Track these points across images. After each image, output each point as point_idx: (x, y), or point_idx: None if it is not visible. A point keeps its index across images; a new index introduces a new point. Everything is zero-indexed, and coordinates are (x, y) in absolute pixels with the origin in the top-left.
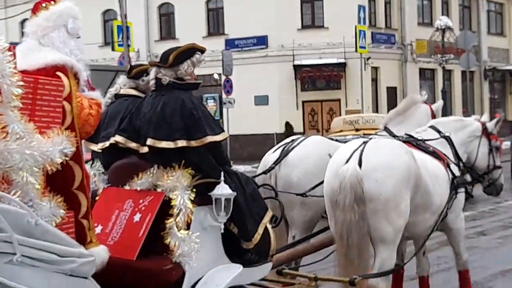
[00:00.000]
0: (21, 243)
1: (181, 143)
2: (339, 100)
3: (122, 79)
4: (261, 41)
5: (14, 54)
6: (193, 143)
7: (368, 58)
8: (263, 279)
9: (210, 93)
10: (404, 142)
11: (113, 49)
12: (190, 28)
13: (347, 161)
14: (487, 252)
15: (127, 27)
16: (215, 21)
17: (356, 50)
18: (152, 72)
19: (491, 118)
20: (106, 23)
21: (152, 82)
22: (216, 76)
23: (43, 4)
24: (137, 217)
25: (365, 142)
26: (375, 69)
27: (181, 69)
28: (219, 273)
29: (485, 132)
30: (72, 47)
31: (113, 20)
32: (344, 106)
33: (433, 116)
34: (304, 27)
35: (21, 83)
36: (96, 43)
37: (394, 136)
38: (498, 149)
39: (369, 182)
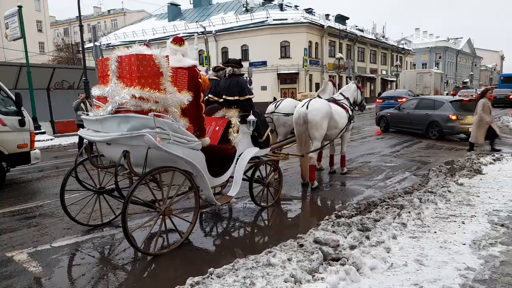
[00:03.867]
0: (172, 135)
1: (236, 97)
2: (295, 88)
3: (210, 71)
4: (264, 63)
5: (167, 58)
6: (241, 98)
7: (307, 71)
8: (266, 155)
9: None
10: (328, 100)
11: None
12: (235, 57)
13: (302, 106)
14: (354, 147)
15: (208, 57)
16: (245, 54)
17: (303, 67)
18: (228, 69)
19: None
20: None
21: (227, 72)
22: (247, 77)
23: (180, 42)
24: (217, 128)
25: (309, 100)
26: (310, 75)
27: (239, 68)
28: (249, 150)
29: (358, 87)
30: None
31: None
32: (297, 91)
33: (334, 86)
34: (282, 57)
35: (171, 71)
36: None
37: (320, 98)
38: (363, 92)
39: (310, 115)
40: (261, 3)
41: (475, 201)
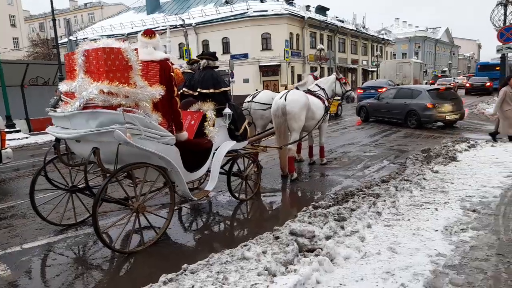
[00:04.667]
0: (143, 130)
1: (211, 90)
2: (277, 80)
3: (185, 64)
4: (245, 55)
5: (137, 51)
6: (216, 91)
7: (289, 63)
8: (244, 148)
9: (225, 77)
10: (305, 92)
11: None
12: (216, 50)
13: (280, 98)
14: (334, 138)
15: (188, 51)
16: (226, 47)
17: (284, 59)
18: (202, 61)
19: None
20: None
21: (202, 65)
22: (228, 70)
23: (151, 35)
24: (192, 122)
25: (287, 91)
26: (292, 67)
27: (213, 60)
28: (226, 144)
29: (337, 79)
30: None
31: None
32: (280, 82)
33: (315, 79)
34: (263, 49)
35: (140, 65)
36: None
37: (299, 90)
38: (346, 84)
39: (288, 107)
40: None
41: (449, 187)
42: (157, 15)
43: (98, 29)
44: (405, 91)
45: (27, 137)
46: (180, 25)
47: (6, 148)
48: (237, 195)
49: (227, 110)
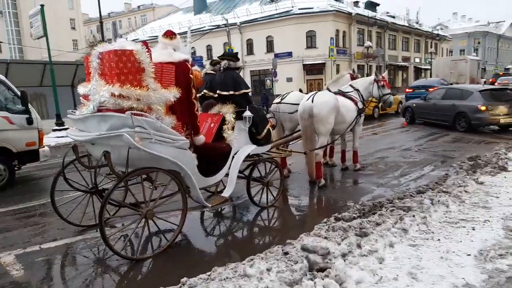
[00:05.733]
0: (154, 134)
1: (231, 92)
2: (322, 79)
3: (208, 65)
4: (289, 54)
5: (149, 53)
6: (236, 93)
7: (334, 61)
8: (269, 151)
9: (268, 76)
10: (335, 93)
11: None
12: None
13: (307, 100)
14: (374, 141)
15: (231, 50)
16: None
17: (329, 57)
18: (223, 62)
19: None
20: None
21: (222, 66)
22: (271, 69)
23: (171, 36)
24: (212, 125)
25: (315, 93)
26: (338, 65)
27: (234, 61)
28: (246, 148)
29: (375, 80)
30: (188, 53)
31: (227, 46)
32: (324, 81)
33: (352, 79)
34: (307, 47)
35: (153, 67)
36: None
37: (330, 91)
38: (385, 86)
39: (315, 109)
40: None
41: (492, 202)
42: (204, 15)
43: (148, 31)
44: (454, 92)
45: None
46: (223, 25)
47: (43, 147)
48: (257, 201)
49: (247, 113)
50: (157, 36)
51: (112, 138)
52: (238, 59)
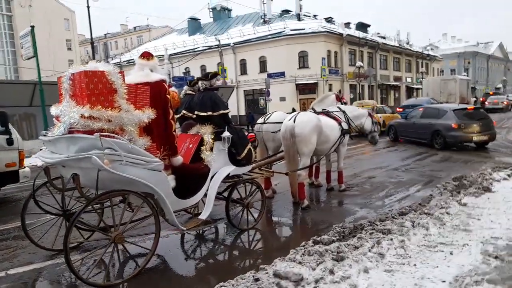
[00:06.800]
0: (125, 155)
1: (209, 113)
2: (315, 98)
3: (186, 86)
4: (282, 74)
5: (122, 74)
6: (214, 113)
7: (326, 80)
8: (250, 172)
9: (262, 96)
10: (318, 113)
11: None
12: (253, 69)
13: (289, 120)
14: (362, 161)
15: (224, 70)
16: (263, 65)
17: (321, 77)
18: (200, 82)
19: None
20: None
21: (200, 87)
22: (265, 89)
23: (148, 57)
24: (190, 145)
25: (298, 113)
26: (330, 85)
27: (212, 81)
28: (225, 169)
29: (370, 115)
30: (164, 73)
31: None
32: None
33: (338, 100)
34: (300, 67)
35: (126, 88)
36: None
37: (315, 111)
38: (376, 123)
39: (297, 128)
40: (279, 14)
41: (474, 225)
42: (198, 36)
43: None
44: (431, 111)
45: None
46: (216, 45)
47: (24, 167)
48: (237, 223)
49: (226, 134)
50: (157, 55)
51: (81, 160)
52: (209, 78)
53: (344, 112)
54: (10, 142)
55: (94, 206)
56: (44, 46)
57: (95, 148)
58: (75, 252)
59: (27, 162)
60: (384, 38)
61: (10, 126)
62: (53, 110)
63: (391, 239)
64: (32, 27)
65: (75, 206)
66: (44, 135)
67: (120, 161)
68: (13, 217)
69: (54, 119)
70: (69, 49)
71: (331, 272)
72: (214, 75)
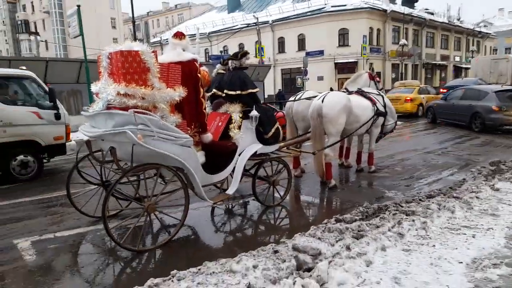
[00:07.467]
0: (157, 131)
1: (238, 92)
2: None
3: (218, 65)
4: (321, 52)
5: (155, 53)
6: (243, 92)
7: (367, 59)
8: (279, 151)
9: (299, 75)
10: (350, 93)
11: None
12: (292, 47)
13: (318, 99)
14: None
15: (262, 48)
16: (302, 43)
17: (361, 55)
18: (230, 62)
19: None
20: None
21: (230, 66)
22: (302, 68)
23: (180, 36)
24: (219, 123)
25: (327, 93)
26: (371, 64)
27: (242, 61)
28: (252, 146)
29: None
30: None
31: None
32: None
33: (371, 78)
34: (339, 45)
35: (159, 67)
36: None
37: (348, 91)
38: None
39: (325, 109)
40: None
41: (503, 210)
42: (237, 14)
43: (183, 29)
44: (472, 92)
45: None
46: (254, 23)
47: (70, 141)
48: (262, 200)
49: (254, 113)
50: (191, 34)
51: (116, 135)
52: (238, 58)
53: (382, 96)
54: (57, 116)
55: (130, 178)
56: (90, 25)
57: (130, 124)
58: (114, 220)
59: (73, 136)
60: (432, 14)
61: (58, 102)
62: (93, 87)
63: (413, 220)
64: (78, 6)
65: (114, 178)
66: (86, 111)
67: (152, 137)
68: (61, 186)
69: (94, 95)
70: (114, 27)
71: (348, 248)
72: (244, 54)
